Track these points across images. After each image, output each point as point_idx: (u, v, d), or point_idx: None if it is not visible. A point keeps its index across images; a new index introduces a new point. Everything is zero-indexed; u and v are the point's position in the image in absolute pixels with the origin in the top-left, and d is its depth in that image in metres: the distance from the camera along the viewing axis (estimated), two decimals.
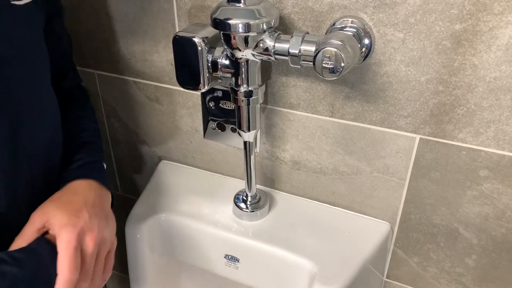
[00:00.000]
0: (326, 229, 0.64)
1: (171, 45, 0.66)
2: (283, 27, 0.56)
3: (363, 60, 0.54)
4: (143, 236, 0.66)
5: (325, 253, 0.60)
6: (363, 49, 0.53)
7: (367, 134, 0.59)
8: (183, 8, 0.62)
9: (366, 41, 0.53)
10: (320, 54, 0.46)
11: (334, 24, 0.53)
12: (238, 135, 0.69)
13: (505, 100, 0.50)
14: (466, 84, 0.50)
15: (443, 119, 0.54)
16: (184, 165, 0.78)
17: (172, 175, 0.76)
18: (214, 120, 0.70)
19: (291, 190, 0.70)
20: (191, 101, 0.70)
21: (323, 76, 0.47)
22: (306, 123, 0.63)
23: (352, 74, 0.56)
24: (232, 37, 0.51)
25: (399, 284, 0.70)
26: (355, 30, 0.52)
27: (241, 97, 0.56)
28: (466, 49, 0.48)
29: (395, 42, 0.52)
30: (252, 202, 0.66)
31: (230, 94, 0.57)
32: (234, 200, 0.67)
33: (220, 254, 0.65)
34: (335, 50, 0.45)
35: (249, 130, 0.59)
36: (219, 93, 0.67)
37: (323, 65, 0.46)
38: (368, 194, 0.64)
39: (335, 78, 0.47)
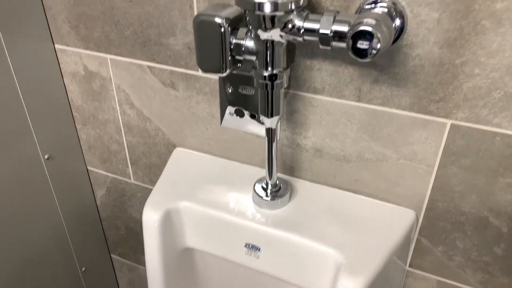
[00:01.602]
0: (350, 217, 0.63)
1: (188, 27, 0.63)
2: (309, 7, 0.53)
3: (393, 42, 0.52)
4: (161, 225, 0.64)
5: (350, 243, 0.58)
6: (394, 31, 0.51)
7: (395, 120, 0.57)
8: None
9: (398, 21, 0.50)
10: (354, 34, 0.43)
11: (364, 4, 0.51)
12: (257, 121, 0.67)
13: None
14: (505, 66, 0.48)
15: (477, 103, 0.51)
16: (199, 153, 0.76)
17: (188, 163, 0.74)
18: (233, 106, 0.67)
19: (311, 178, 0.68)
20: (208, 86, 0.68)
21: (356, 58, 0.45)
22: (331, 109, 0.60)
23: (381, 56, 0.53)
24: (258, 17, 0.48)
25: (422, 273, 0.69)
26: (386, 10, 0.50)
27: (265, 81, 0.53)
28: (507, 29, 0.46)
29: (430, 23, 0.49)
30: (272, 191, 0.64)
31: (253, 78, 0.54)
32: (253, 188, 0.65)
33: (240, 243, 0.64)
34: (371, 29, 0.43)
35: (272, 116, 0.57)
36: (238, 78, 0.64)
37: (358, 46, 0.44)
38: (394, 181, 0.62)
39: (369, 60, 0.44)
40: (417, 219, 0.64)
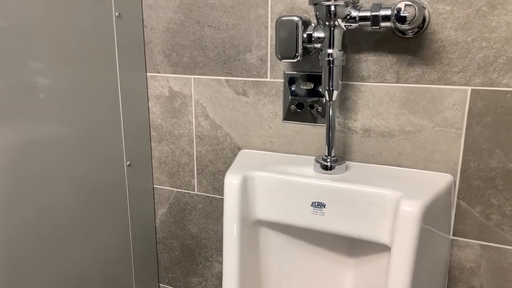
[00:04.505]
0: (398, 179, 0.75)
1: (262, 43, 0.85)
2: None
3: (420, 31, 0.73)
4: (240, 188, 0.76)
5: (404, 188, 0.70)
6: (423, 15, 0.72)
7: (427, 93, 0.75)
8: (275, 11, 0.82)
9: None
10: (399, 6, 0.64)
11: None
12: (313, 113, 0.84)
13: None
14: (503, 38, 0.68)
15: (488, 69, 0.70)
16: (262, 151, 0.91)
17: (253, 158, 0.89)
18: (295, 101, 0.85)
19: (361, 158, 0.83)
20: (274, 89, 0.87)
21: (401, 24, 0.65)
22: (375, 92, 0.78)
23: (413, 43, 0.74)
24: (326, 7, 0.70)
25: (466, 239, 0.78)
26: None
27: (329, 58, 0.72)
28: (499, 10, 0.67)
29: (445, 14, 0.71)
30: (331, 159, 0.78)
31: (319, 60, 0.74)
32: (314, 160, 0.79)
33: (307, 203, 0.75)
34: (410, 2, 0.64)
35: (333, 90, 0.74)
36: (300, 77, 0.84)
37: (401, 14, 0.65)
38: (431, 148, 0.77)
39: (410, 26, 0.65)
40: (455, 182, 0.76)
